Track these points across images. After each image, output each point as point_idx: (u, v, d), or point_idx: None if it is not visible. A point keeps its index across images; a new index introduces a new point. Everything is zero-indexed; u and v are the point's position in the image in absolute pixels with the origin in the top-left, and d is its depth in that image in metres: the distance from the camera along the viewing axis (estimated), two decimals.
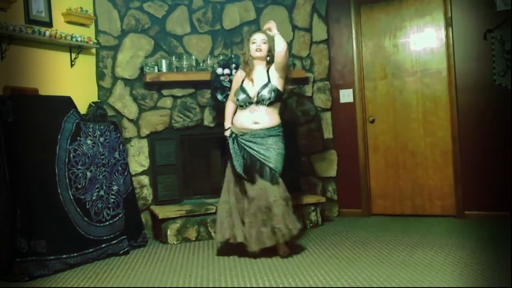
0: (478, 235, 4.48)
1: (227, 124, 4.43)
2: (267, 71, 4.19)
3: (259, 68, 4.22)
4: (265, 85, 4.12)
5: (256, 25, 5.48)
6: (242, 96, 4.17)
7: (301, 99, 5.64)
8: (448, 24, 5.21)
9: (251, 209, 4.04)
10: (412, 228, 4.87)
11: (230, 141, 4.23)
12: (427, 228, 4.86)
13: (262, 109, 4.14)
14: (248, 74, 4.23)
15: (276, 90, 4.12)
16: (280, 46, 4.04)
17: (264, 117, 4.14)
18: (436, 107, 5.33)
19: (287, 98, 5.55)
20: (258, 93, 4.11)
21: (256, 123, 4.14)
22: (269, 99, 4.10)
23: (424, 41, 5.36)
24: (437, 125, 5.33)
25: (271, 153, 4.08)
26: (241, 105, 4.19)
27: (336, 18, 5.72)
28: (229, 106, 4.49)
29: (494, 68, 5.00)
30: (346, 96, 5.68)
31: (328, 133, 5.73)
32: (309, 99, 5.67)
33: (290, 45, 5.56)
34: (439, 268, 3.53)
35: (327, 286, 3.31)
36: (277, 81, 4.14)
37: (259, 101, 4.12)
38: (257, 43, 4.17)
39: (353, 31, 5.63)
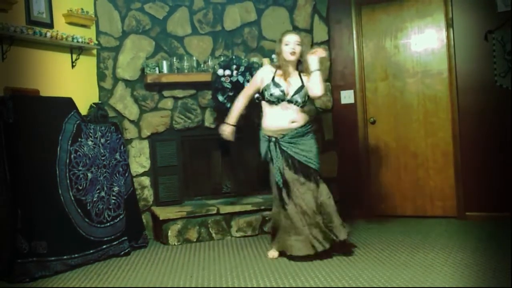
0: (479, 236, 4.47)
1: (231, 119, 4.24)
2: (299, 73, 4.10)
3: (290, 68, 4.10)
4: (300, 89, 4.03)
5: (257, 26, 5.49)
6: (277, 92, 4.00)
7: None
8: (449, 25, 5.21)
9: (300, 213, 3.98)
10: (413, 229, 4.87)
11: (271, 146, 4.03)
12: (428, 229, 4.86)
13: (293, 107, 4.02)
14: (285, 74, 4.06)
15: (307, 96, 4.05)
16: (319, 90, 4.00)
17: (298, 116, 4.04)
18: (437, 108, 5.33)
19: None
20: (293, 95, 4.01)
21: (293, 121, 4.01)
22: (303, 102, 4.04)
23: (425, 42, 5.36)
24: (438, 126, 5.33)
25: (312, 153, 4.04)
26: (273, 101, 4.02)
27: (337, 19, 5.72)
28: (240, 101, 4.26)
29: (495, 69, 5.00)
30: (347, 97, 5.68)
31: (329, 134, 5.72)
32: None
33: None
34: (440, 269, 3.53)
35: (328, 287, 3.31)
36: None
37: (292, 101, 4.02)
38: (290, 45, 4.03)
39: (354, 32, 5.63)
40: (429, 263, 3.70)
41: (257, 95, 4.32)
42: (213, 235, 4.88)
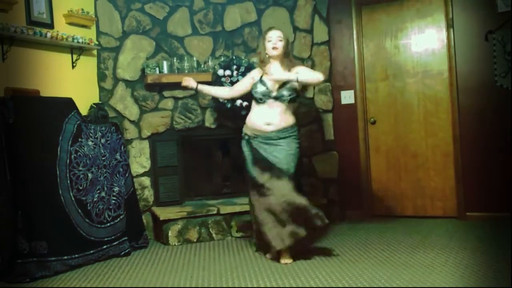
0: (479, 236, 4.47)
1: (201, 85, 4.42)
2: (287, 69, 4.08)
3: (275, 65, 4.12)
4: (285, 83, 4.02)
5: (257, 27, 5.49)
6: (261, 88, 4.06)
7: (302, 100, 5.62)
8: (449, 25, 5.21)
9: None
10: (413, 230, 4.87)
11: (243, 143, 4.15)
12: (428, 229, 4.86)
13: (279, 106, 4.03)
14: (266, 72, 4.11)
15: (295, 90, 4.05)
16: (317, 77, 4.01)
17: (277, 117, 4.03)
18: (437, 108, 5.33)
19: None
20: (278, 90, 4.02)
21: (268, 124, 4.03)
22: (289, 96, 4.02)
23: (425, 42, 5.36)
24: (438, 126, 5.33)
25: (282, 154, 4.00)
26: (260, 99, 4.06)
27: (337, 19, 5.72)
28: (221, 88, 4.57)
29: (496, 69, 5.00)
30: (347, 97, 5.67)
31: (329, 135, 5.72)
32: (310, 100, 5.67)
33: (291, 46, 5.55)
34: (440, 269, 3.53)
35: (329, 287, 3.31)
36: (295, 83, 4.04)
37: (278, 97, 4.02)
38: (272, 41, 4.08)
39: (354, 32, 5.63)
40: (429, 263, 3.70)
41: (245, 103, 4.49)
42: (214, 235, 4.88)
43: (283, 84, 4.03)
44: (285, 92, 4.02)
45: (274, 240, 3.90)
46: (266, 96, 4.05)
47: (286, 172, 3.97)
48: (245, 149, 4.13)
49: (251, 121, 4.14)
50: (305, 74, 4.01)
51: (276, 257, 3.99)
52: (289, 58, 4.16)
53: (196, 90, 4.45)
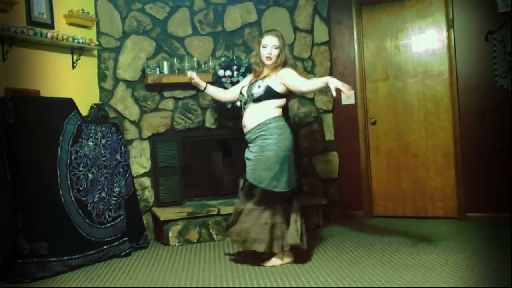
0: (479, 236, 4.47)
1: (210, 87, 4.32)
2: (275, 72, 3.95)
3: (265, 70, 3.99)
4: (256, 82, 3.93)
5: (257, 27, 5.49)
6: (240, 97, 4.06)
7: (303, 100, 5.63)
8: (450, 25, 5.21)
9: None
10: (414, 230, 4.86)
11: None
12: (429, 229, 4.86)
13: (255, 107, 3.89)
14: (257, 76, 4.01)
15: (266, 87, 3.85)
16: (308, 86, 3.92)
17: (250, 118, 3.91)
18: (437, 108, 5.33)
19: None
20: (249, 90, 3.94)
21: (244, 127, 3.97)
22: (253, 95, 3.86)
23: (426, 42, 5.36)
24: (438, 127, 5.33)
25: (250, 159, 3.90)
26: (243, 107, 4.00)
27: (338, 19, 5.72)
28: (221, 90, 4.41)
29: (496, 69, 5.00)
30: (347, 97, 5.66)
31: (329, 135, 5.72)
32: (310, 100, 5.67)
33: (291, 46, 5.57)
34: (441, 270, 3.53)
35: (329, 287, 3.32)
36: (276, 82, 3.89)
37: (251, 99, 3.90)
38: (267, 49, 3.90)
39: (355, 33, 5.63)
40: (430, 263, 3.70)
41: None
42: (214, 235, 4.88)
43: (251, 86, 3.93)
44: (254, 90, 3.89)
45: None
46: (243, 102, 4.00)
47: (252, 183, 3.90)
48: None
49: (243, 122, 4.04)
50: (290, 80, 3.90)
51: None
52: (286, 65, 3.99)
53: (203, 90, 4.32)
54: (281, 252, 3.89)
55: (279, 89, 3.91)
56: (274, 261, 3.90)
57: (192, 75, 4.26)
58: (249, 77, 4.21)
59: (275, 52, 3.92)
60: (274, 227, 3.85)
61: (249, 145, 3.97)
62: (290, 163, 3.88)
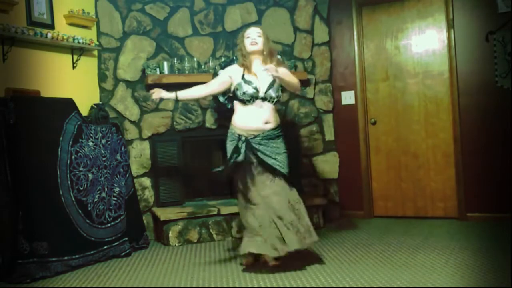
0: (480, 237, 4.47)
1: (180, 93, 4.06)
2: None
3: (257, 62, 3.93)
4: (272, 84, 3.86)
5: None
6: (250, 90, 3.82)
7: (303, 101, 5.63)
8: (450, 26, 5.21)
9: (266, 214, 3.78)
10: (414, 230, 4.86)
11: (240, 144, 3.81)
12: (429, 230, 4.86)
13: (269, 106, 3.86)
14: (248, 69, 3.93)
15: (281, 90, 3.92)
16: (297, 85, 3.93)
17: (272, 116, 3.88)
18: (438, 109, 5.33)
19: (289, 100, 5.57)
20: (266, 91, 3.84)
21: (267, 122, 3.84)
22: (277, 97, 3.88)
23: (426, 43, 5.36)
24: (439, 127, 5.33)
25: (282, 156, 3.83)
26: (247, 100, 3.83)
27: (338, 19, 5.72)
28: (197, 87, 4.08)
29: (496, 70, 5.00)
30: (347, 98, 5.68)
31: (329, 135, 5.72)
32: (311, 101, 5.67)
33: (292, 47, 5.58)
34: (441, 270, 3.53)
35: (329, 287, 3.32)
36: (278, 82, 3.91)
37: (266, 98, 3.84)
38: (251, 37, 3.91)
39: (355, 33, 5.63)
40: (430, 264, 3.70)
41: (223, 98, 4.39)
42: (214, 236, 4.88)
43: (269, 85, 3.86)
44: (273, 94, 3.86)
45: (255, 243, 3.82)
46: (254, 97, 3.84)
47: (284, 173, 3.85)
48: (242, 150, 3.80)
49: (244, 121, 3.87)
50: (288, 77, 3.87)
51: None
52: (273, 58, 3.99)
53: (176, 99, 4.11)
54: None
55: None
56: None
57: (159, 95, 4.07)
58: (236, 71, 3.97)
59: (260, 40, 3.93)
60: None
61: (274, 140, 3.85)
62: None
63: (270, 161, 3.80)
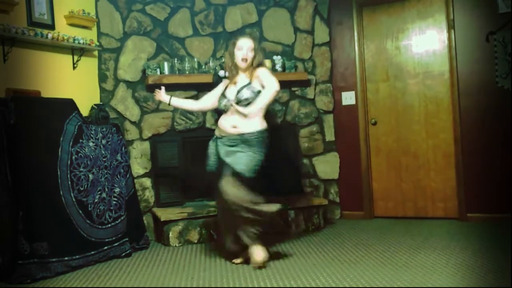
0: (480, 237, 4.47)
1: (174, 99, 4.39)
2: (251, 76, 3.99)
3: (241, 74, 4.04)
4: (246, 86, 3.93)
5: (258, 28, 5.49)
6: (224, 101, 4.03)
7: (303, 101, 5.63)
8: (450, 26, 5.20)
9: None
10: (414, 231, 4.86)
11: (210, 142, 4.11)
12: (429, 230, 4.86)
13: (241, 115, 3.92)
14: (231, 79, 4.08)
15: (258, 92, 3.91)
16: (271, 92, 3.85)
17: (243, 121, 3.91)
18: (438, 109, 5.33)
19: (289, 100, 5.56)
20: (238, 92, 3.92)
21: (234, 127, 3.93)
22: (247, 99, 3.89)
23: (426, 43, 5.36)
24: (439, 127, 5.33)
25: (241, 156, 3.87)
26: (224, 110, 4.04)
27: (338, 20, 5.72)
28: (190, 101, 4.51)
29: (497, 70, 5.00)
30: (348, 98, 5.68)
31: (330, 135, 5.72)
32: (311, 101, 5.67)
33: (292, 47, 5.58)
34: (441, 271, 3.53)
35: (329, 287, 3.32)
36: (258, 86, 3.95)
37: (238, 102, 3.92)
38: (243, 51, 3.96)
39: (355, 33, 5.63)
40: (430, 264, 3.70)
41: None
42: (214, 236, 4.87)
43: (243, 86, 3.94)
44: (245, 93, 3.91)
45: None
46: (228, 105, 3.99)
47: (240, 173, 3.89)
48: (210, 147, 4.12)
49: (221, 125, 4.05)
50: (260, 98, 3.87)
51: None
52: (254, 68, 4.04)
53: (169, 104, 4.41)
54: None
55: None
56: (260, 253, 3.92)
57: (159, 98, 4.45)
58: (222, 86, 4.20)
59: (251, 55, 3.98)
60: None
61: (240, 145, 3.91)
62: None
63: (228, 160, 3.92)
